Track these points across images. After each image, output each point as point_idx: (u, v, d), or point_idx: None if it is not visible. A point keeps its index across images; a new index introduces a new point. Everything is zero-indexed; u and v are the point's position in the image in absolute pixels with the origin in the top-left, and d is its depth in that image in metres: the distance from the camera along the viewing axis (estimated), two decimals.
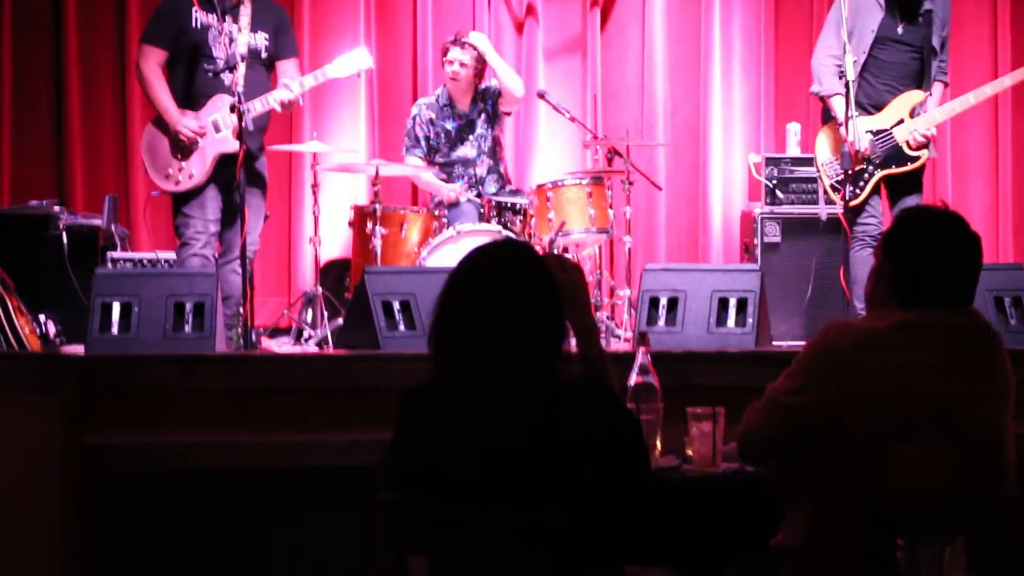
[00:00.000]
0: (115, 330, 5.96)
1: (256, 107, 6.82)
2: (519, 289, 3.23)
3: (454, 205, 8.03)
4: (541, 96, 8.41)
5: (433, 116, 8.15)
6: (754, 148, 8.97)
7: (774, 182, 8.34)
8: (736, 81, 9.23)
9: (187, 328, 5.98)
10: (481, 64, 8.11)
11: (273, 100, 6.86)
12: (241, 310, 6.77)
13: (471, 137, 8.13)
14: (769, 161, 8.42)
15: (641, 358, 4.05)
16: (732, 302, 6.16)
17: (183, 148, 6.90)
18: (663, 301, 6.21)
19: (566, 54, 9.33)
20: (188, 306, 6.00)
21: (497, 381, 3.16)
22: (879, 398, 3.36)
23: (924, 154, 7.06)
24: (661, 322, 6.19)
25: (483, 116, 8.12)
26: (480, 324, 3.19)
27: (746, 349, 5.98)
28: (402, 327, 6.00)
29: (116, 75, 9.01)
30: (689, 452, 3.99)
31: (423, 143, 8.14)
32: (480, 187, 8.09)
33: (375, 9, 9.21)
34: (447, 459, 3.15)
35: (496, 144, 8.23)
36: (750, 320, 6.13)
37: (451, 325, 3.24)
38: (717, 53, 9.19)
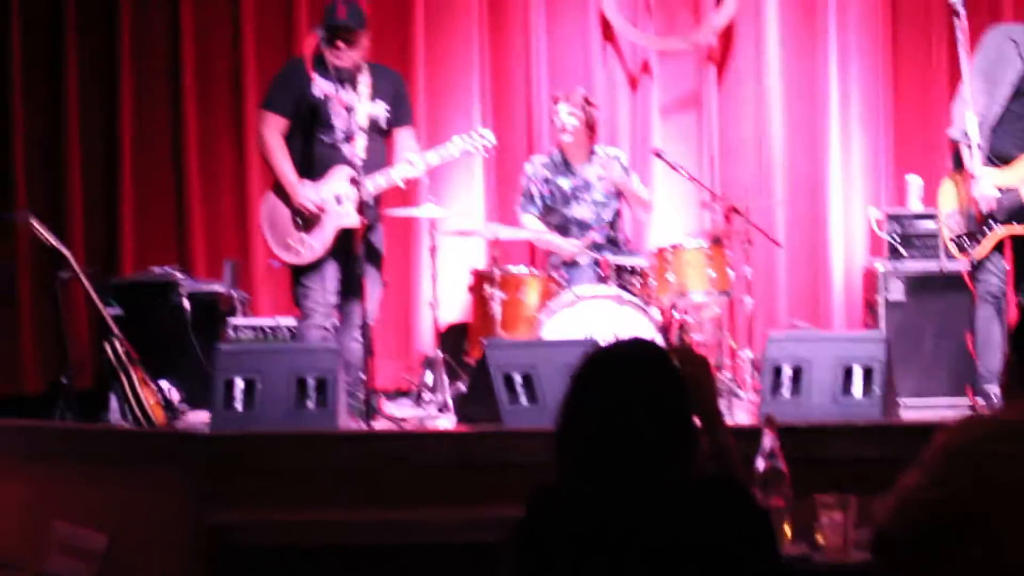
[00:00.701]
0: (239, 406, 6.03)
1: (379, 182, 6.82)
2: (647, 391, 3.18)
3: (572, 264, 8.02)
4: (657, 155, 8.37)
5: (548, 174, 8.16)
6: (874, 202, 8.84)
7: (896, 238, 8.22)
8: (854, 134, 9.10)
9: (310, 404, 6.04)
10: (592, 119, 8.12)
11: (397, 176, 6.86)
12: (363, 376, 6.79)
13: (587, 198, 8.11)
14: (891, 216, 8.32)
15: (768, 442, 3.98)
16: (858, 371, 6.09)
17: (304, 220, 6.93)
18: (787, 370, 6.16)
19: (681, 110, 9.27)
20: (310, 382, 6.06)
21: (627, 484, 3.11)
22: (1011, 492, 3.26)
23: None
24: (785, 391, 6.14)
25: (604, 183, 8.09)
26: (608, 428, 3.15)
27: (873, 420, 5.89)
28: (524, 400, 6.02)
29: (234, 140, 9.09)
30: (819, 539, 3.92)
31: (538, 201, 8.15)
32: (596, 250, 8.06)
33: (490, 68, 9.21)
34: (576, 564, 3.11)
35: (618, 216, 8.22)
36: (876, 389, 6.06)
37: (578, 429, 3.20)
38: (835, 106, 9.07)
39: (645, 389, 3.18)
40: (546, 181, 8.16)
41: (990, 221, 6.88)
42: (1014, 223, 6.91)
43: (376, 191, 6.86)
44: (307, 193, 6.91)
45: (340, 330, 7.07)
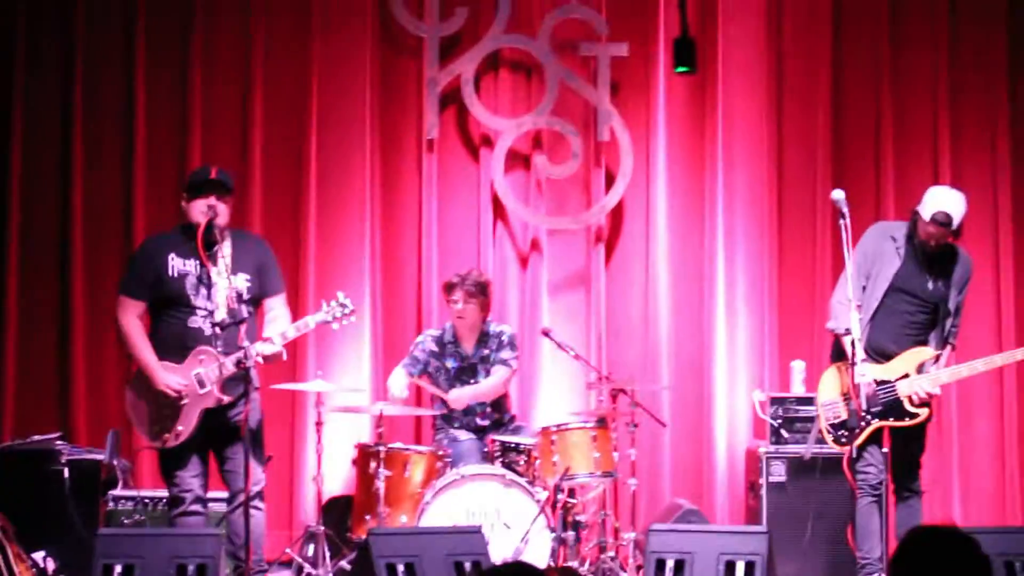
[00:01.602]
0: None
1: (236, 360, 6.67)
2: None
3: (455, 440, 8.04)
4: (546, 334, 8.45)
5: (436, 350, 8.22)
6: (758, 385, 8.99)
7: (779, 421, 8.35)
8: (740, 317, 9.27)
9: None
10: (486, 300, 8.20)
11: (256, 353, 6.70)
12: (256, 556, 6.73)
13: (471, 382, 8.17)
14: (774, 400, 8.45)
15: None
16: (740, 566, 6.13)
17: (167, 404, 6.82)
18: (669, 564, 6.19)
19: (570, 289, 9.38)
20: (191, 569, 5.98)
21: None
22: None
23: (924, 412, 7.08)
24: None
25: (487, 366, 8.17)
26: None
27: None
28: None
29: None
30: None
31: (418, 367, 8.19)
32: (480, 433, 8.10)
33: (380, 245, 9.27)
34: None
35: (504, 396, 8.28)
36: None
37: None
38: (721, 289, 9.24)
39: None
40: (434, 356, 8.21)
41: (867, 416, 7.02)
42: (891, 419, 7.07)
43: (234, 369, 6.75)
44: (167, 378, 6.79)
45: (231, 507, 6.91)
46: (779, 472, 8.25)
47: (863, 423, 7.01)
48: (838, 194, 7.01)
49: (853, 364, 6.82)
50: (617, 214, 9.39)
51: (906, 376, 7.09)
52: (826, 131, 9.34)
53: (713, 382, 9.20)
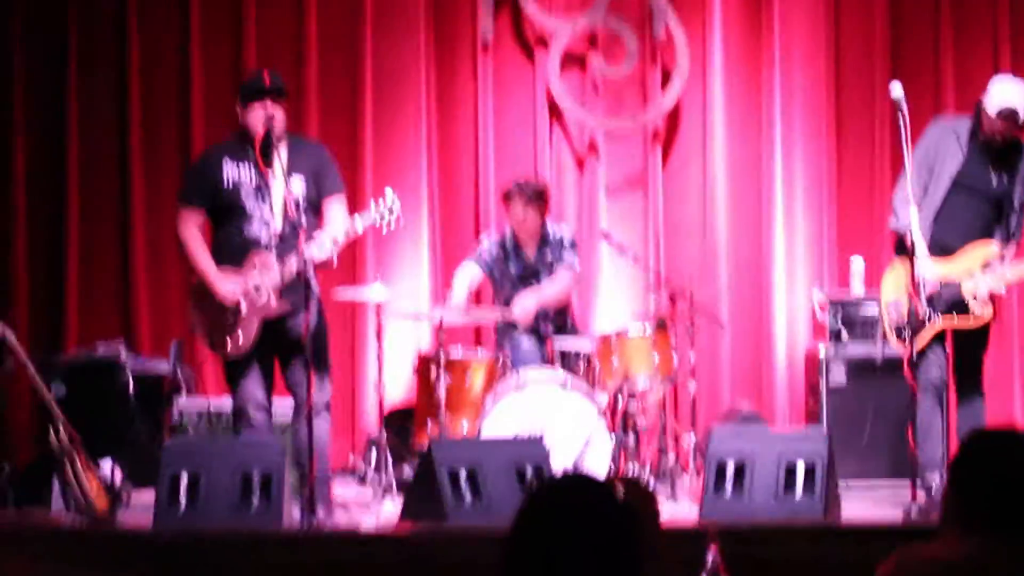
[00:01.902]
0: (183, 503, 6.00)
1: (291, 267, 6.62)
2: (591, 536, 3.19)
3: (516, 346, 8.03)
4: (605, 237, 8.43)
5: (499, 255, 8.18)
6: (818, 283, 8.90)
7: (839, 323, 8.30)
8: (798, 217, 9.19)
9: (255, 501, 6.00)
10: (544, 205, 8.15)
11: (300, 262, 6.60)
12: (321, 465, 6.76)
13: (535, 284, 8.13)
14: (833, 301, 8.39)
15: (711, 558, 4.00)
16: (800, 468, 6.13)
17: (229, 313, 6.85)
18: (730, 468, 6.19)
19: (628, 190, 9.33)
20: (256, 479, 6.04)
21: None
22: None
23: (988, 311, 6.99)
24: (728, 489, 6.17)
25: (550, 267, 8.14)
26: (549, 568, 3.15)
27: (815, 522, 5.94)
28: (468, 498, 6.01)
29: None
30: None
31: (484, 269, 8.18)
32: (543, 340, 8.10)
33: (437, 148, 9.26)
34: None
35: (567, 304, 8.26)
36: (818, 487, 6.11)
37: (519, 570, 3.19)
38: (779, 189, 9.17)
39: (590, 534, 3.19)
40: (495, 261, 8.19)
41: (930, 312, 6.96)
42: (954, 315, 7.00)
43: (290, 275, 6.75)
44: (225, 286, 6.80)
45: (297, 418, 6.92)
46: (839, 374, 8.22)
47: (926, 322, 6.96)
48: (896, 89, 6.89)
49: (914, 262, 6.75)
50: (674, 114, 9.32)
51: (971, 274, 7.01)
52: (884, 24, 9.19)
53: (773, 282, 9.15)
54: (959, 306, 7.01)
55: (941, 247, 7.07)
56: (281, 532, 5.91)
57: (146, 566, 5.44)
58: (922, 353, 7.00)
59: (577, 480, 3.36)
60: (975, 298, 6.98)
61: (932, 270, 6.93)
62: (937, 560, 3.47)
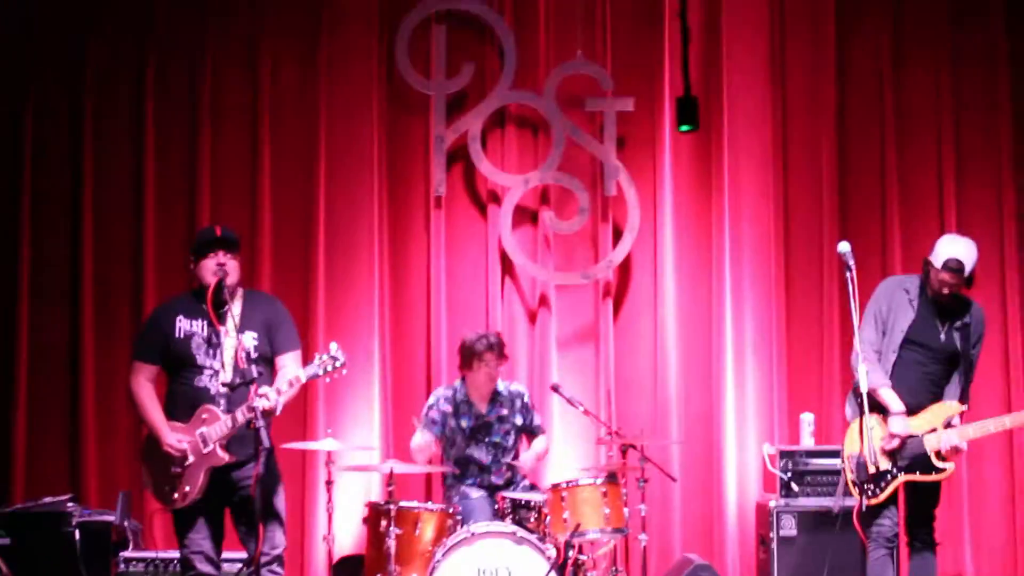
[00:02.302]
0: None
1: (238, 418, 6.65)
2: None
3: (465, 498, 8.01)
4: (555, 389, 8.45)
5: (450, 409, 8.18)
6: (768, 438, 8.97)
7: (789, 475, 8.34)
8: (749, 370, 9.28)
9: None
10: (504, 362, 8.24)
11: (249, 414, 6.61)
12: None
13: (486, 440, 8.15)
14: (784, 454, 8.44)
15: None
16: None
17: (175, 464, 6.84)
18: None
19: (579, 344, 9.40)
20: None
21: None
22: None
23: (950, 467, 7.08)
24: None
25: (503, 424, 8.16)
26: None
27: None
28: None
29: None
30: None
31: (437, 428, 8.17)
32: (493, 491, 8.08)
33: (389, 301, 9.32)
34: None
35: (516, 454, 8.26)
36: None
37: None
38: (729, 342, 9.26)
39: None
40: (446, 416, 8.18)
41: (892, 469, 7.05)
42: (917, 472, 7.08)
43: (238, 427, 6.70)
44: (172, 438, 6.81)
45: (250, 570, 6.88)
46: (789, 526, 8.25)
47: (888, 476, 7.02)
48: (844, 246, 7.01)
49: (862, 419, 6.82)
50: (625, 268, 9.43)
51: (933, 430, 7.09)
52: (832, 185, 9.38)
53: (723, 436, 9.20)
54: (922, 462, 7.09)
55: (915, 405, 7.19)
56: None
57: None
58: (877, 508, 7.05)
59: None
60: (938, 454, 7.05)
61: (901, 424, 7.02)
62: None
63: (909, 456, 7.11)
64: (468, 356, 8.13)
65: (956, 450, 7.07)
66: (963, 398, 7.16)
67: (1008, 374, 9.22)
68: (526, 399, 8.30)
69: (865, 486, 7.00)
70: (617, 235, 9.36)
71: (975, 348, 7.23)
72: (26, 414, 8.99)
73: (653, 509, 8.60)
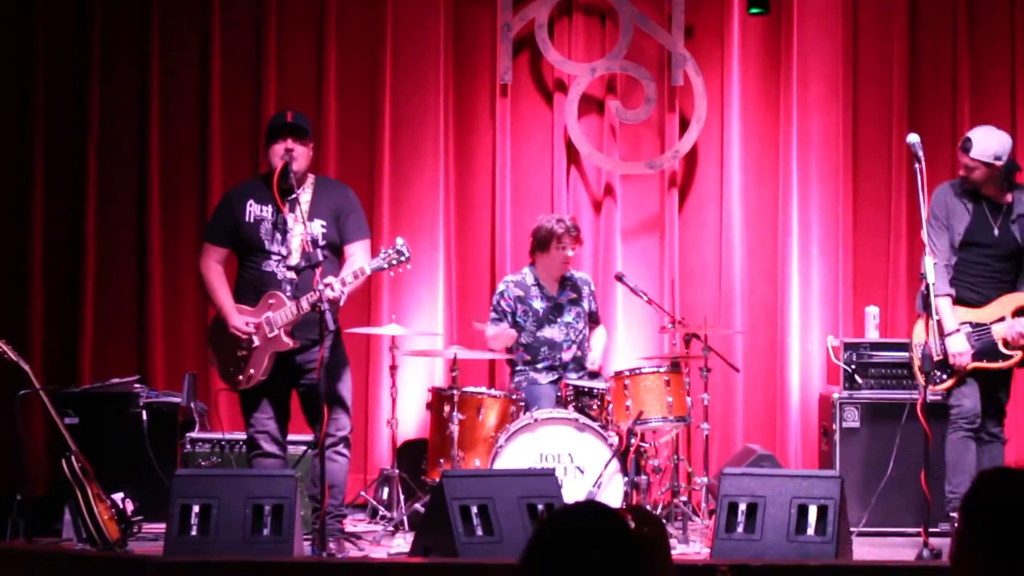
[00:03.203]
0: (194, 532, 6.01)
1: (304, 305, 6.72)
2: (603, 562, 3.19)
3: (533, 383, 8.05)
4: (619, 279, 8.46)
5: (522, 294, 8.21)
6: (832, 331, 8.92)
7: (853, 367, 8.31)
8: (814, 263, 9.22)
9: (265, 531, 6.02)
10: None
11: (310, 301, 6.67)
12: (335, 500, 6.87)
13: (559, 320, 8.19)
14: (848, 346, 8.39)
15: None
16: (812, 510, 6.13)
17: (241, 346, 6.91)
18: (742, 507, 6.19)
19: (644, 234, 9.37)
20: (267, 509, 6.06)
21: None
22: None
23: (1018, 354, 7.06)
24: (740, 528, 6.18)
25: (575, 307, 8.19)
26: None
27: (826, 561, 5.92)
28: (480, 532, 6.02)
29: (196, 254, 9.13)
30: None
31: (509, 318, 8.19)
32: (563, 371, 8.12)
33: (455, 190, 9.31)
34: None
35: (586, 340, 8.28)
36: (830, 528, 6.11)
37: None
38: (795, 235, 9.20)
39: (601, 562, 3.18)
40: (519, 300, 8.21)
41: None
42: (984, 360, 7.08)
43: (304, 313, 6.78)
44: (238, 321, 6.88)
45: (315, 451, 6.96)
46: (852, 418, 8.22)
47: (964, 367, 7.12)
48: (913, 138, 6.97)
49: (929, 314, 6.85)
50: (691, 159, 9.37)
51: (1002, 319, 7.09)
52: (902, 73, 9.24)
53: (787, 327, 9.18)
54: (990, 350, 7.15)
55: (962, 301, 7.22)
56: (291, 560, 5.89)
57: None
58: (953, 390, 7.18)
59: (589, 508, 3.36)
60: (1006, 342, 7.05)
61: (963, 316, 7.11)
62: None
63: (977, 345, 7.09)
64: (545, 238, 8.13)
65: (1022, 336, 7.05)
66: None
67: None
68: (592, 287, 8.34)
69: (932, 373, 7.02)
70: (684, 125, 9.28)
71: None
72: (94, 297, 9.05)
73: (716, 399, 8.61)
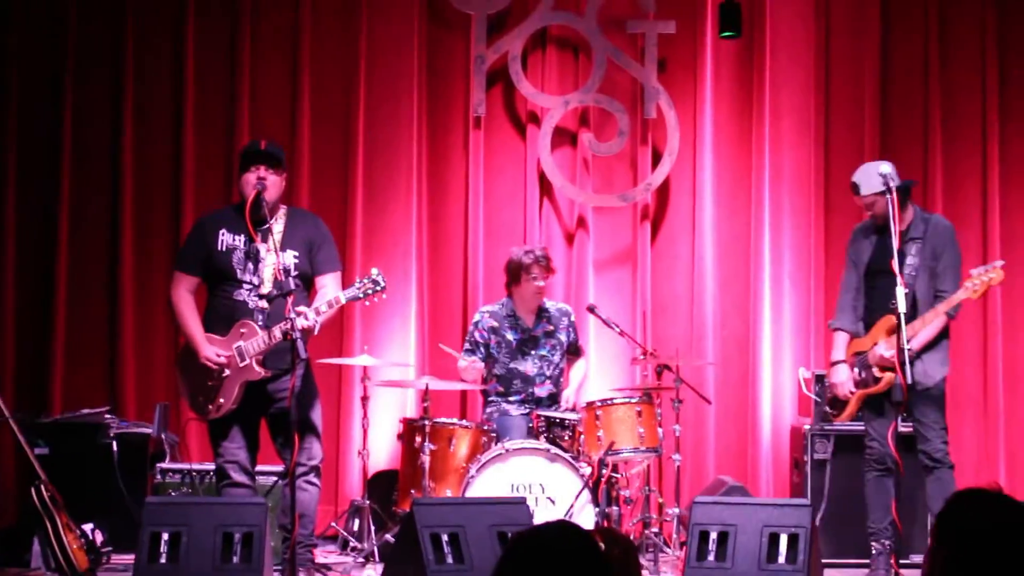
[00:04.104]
0: (163, 560, 5.99)
1: (276, 334, 6.71)
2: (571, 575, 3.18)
3: (504, 415, 8.05)
4: (591, 310, 8.48)
5: (496, 325, 8.21)
6: (804, 361, 8.97)
7: (824, 400, 8.31)
8: (786, 295, 9.27)
9: (235, 559, 6.00)
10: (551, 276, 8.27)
11: (283, 329, 6.64)
12: (306, 530, 6.89)
13: (532, 353, 8.19)
14: (819, 377, 8.40)
15: None
16: (783, 538, 6.13)
17: (212, 376, 6.90)
18: (713, 535, 6.19)
19: (616, 266, 9.40)
20: (237, 536, 6.04)
21: None
22: None
23: (887, 376, 7.06)
24: (711, 557, 6.18)
25: (550, 339, 8.19)
26: None
27: None
28: (450, 560, 6.00)
29: (168, 282, 9.11)
30: None
31: (482, 350, 8.19)
32: (535, 406, 8.12)
33: (427, 221, 9.31)
34: None
35: (561, 374, 8.28)
36: (801, 557, 6.11)
37: None
38: (767, 267, 9.25)
39: (568, 572, 3.18)
40: (493, 331, 8.21)
41: (851, 388, 7.34)
42: (869, 386, 7.24)
43: (275, 343, 6.77)
44: (209, 351, 6.87)
45: (286, 481, 6.95)
46: (824, 449, 8.23)
47: (846, 396, 7.36)
48: (886, 167, 7.00)
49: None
50: (663, 191, 9.40)
51: (876, 345, 7.17)
52: (874, 107, 9.30)
53: (759, 359, 9.21)
54: (869, 377, 7.25)
55: (866, 327, 7.38)
56: None
57: None
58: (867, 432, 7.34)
59: (559, 527, 3.36)
60: (876, 364, 7.11)
61: (835, 374, 7.40)
62: None
63: (863, 374, 7.24)
64: (516, 270, 8.16)
65: (883, 359, 7.09)
66: (910, 307, 7.09)
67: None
68: (572, 318, 8.35)
69: (828, 410, 7.45)
70: (656, 158, 9.33)
71: (937, 261, 7.19)
72: (65, 327, 9.02)
73: (687, 431, 8.64)
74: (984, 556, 3.44)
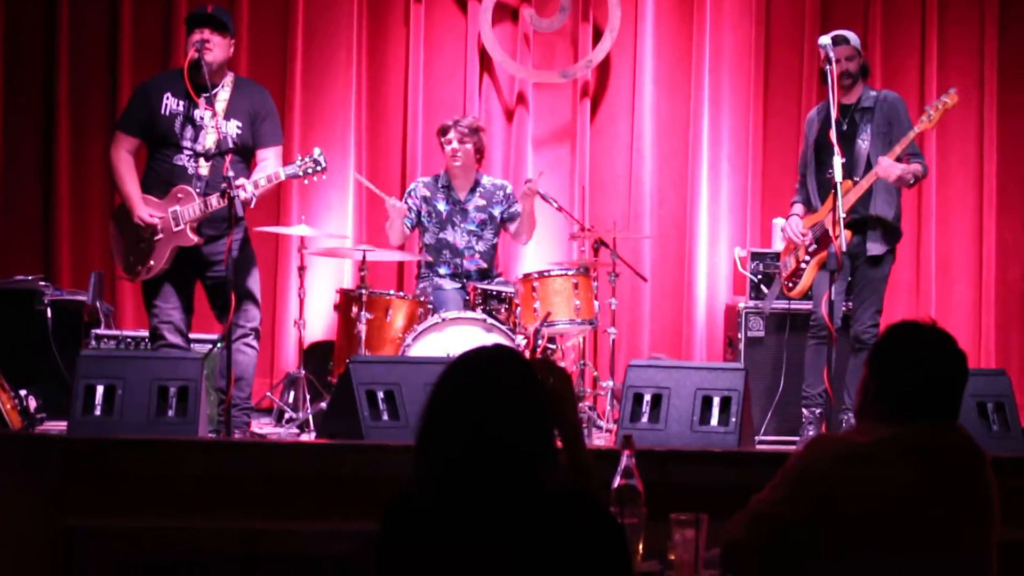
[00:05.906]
0: (98, 412, 5.98)
1: (212, 203, 6.72)
2: (506, 397, 3.19)
3: (440, 288, 8.03)
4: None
5: (428, 194, 8.16)
6: (740, 242, 9.02)
7: (759, 277, 8.38)
8: (724, 175, 9.30)
9: (170, 412, 6.00)
10: (479, 142, 8.14)
11: (224, 197, 6.63)
12: (243, 393, 6.91)
13: (462, 225, 8.13)
14: (755, 256, 8.46)
15: (625, 461, 4.00)
16: (716, 400, 6.19)
17: (144, 238, 6.87)
18: (647, 397, 6.24)
19: (555, 143, 9.39)
20: (172, 390, 6.03)
21: (482, 491, 3.10)
22: (856, 515, 3.35)
23: (843, 233, 7.08)
24: (644, 419, 6.22)
25: (481, 214, 8.14)
26: (465, 432, 3.13)
27: (729, 448, 5.99)
28: (386, 417, 6.02)
29: (105, 150, 8.97)
30: (671, 557, 3.96)
31: (412, 215, 8.14)
32: (466, 280, 8.09)
33: (367, 95, 9.26)
34: (431, 572, 3.11)
35: (493, 249, 8.25)
36: (733, 419, 6.16)
37: (436, 433, 3.18)
38: (705, 147, 9.27)
39: (507, 399, 3.18)
40: (425, 200, 8.17)
41: (806, 257, 7.31)
42: (821, 252, 7.27)
43: (211, 210, 6.76)
44: (143, 211, 6.84)
45: (223, 346, 6.95)
46: (757, 327, 8.29)
47: (803, 265, 7.35)
48: (825, 39, 6.99)
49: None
50: (604, 69, 9.38)
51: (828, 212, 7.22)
52: None
53: (696, 238, 9.25)
54: (824, 240, 7.24)
55: (819, 200, 7.40)
56: (195, 439, 5.87)
57: (59, 469, 5.39)
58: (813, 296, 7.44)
59: (499, 349, 3.36)
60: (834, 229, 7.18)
61: (808, 221, 7.35)
62: (846, 442, 3.53)
63: (814, 240, 7.32)
64: (440, 136, 8.12)
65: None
66: (864, 174, 7.18)
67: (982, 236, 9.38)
68: (509, 191, 8.26)
69: (784, 282, 7.50)
70: (597, 35, 9.29)
71: (891, 127, 7.26)
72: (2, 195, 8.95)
73: (623, 308, 8.69)
74: (913, 384, 3.49)
